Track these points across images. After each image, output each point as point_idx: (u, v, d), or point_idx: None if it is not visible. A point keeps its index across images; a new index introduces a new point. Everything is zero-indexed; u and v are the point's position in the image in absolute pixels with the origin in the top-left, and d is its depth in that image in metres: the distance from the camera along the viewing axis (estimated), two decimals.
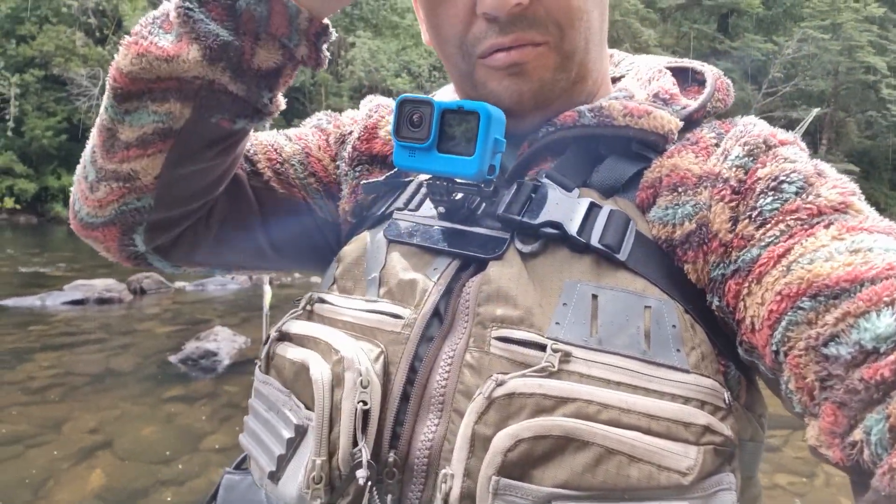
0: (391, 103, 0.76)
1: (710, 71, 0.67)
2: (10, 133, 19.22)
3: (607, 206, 0.55)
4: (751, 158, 0.53)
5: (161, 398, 4.29)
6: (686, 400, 0.46)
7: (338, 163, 0.75)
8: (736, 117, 0.62)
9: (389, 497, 0.48)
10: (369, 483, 0.46)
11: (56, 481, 3.10)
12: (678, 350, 0.48)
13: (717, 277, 0.51)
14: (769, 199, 0.50)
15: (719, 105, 0.64)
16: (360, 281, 0.58)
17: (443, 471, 0.46)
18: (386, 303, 0.55)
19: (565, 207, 0.55)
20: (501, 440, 0.44)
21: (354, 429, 0.48)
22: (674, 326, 0.49)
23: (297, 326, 0.57)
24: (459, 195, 0.58)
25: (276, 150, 0.75)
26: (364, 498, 0.47)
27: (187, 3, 0.54)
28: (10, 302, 6.78)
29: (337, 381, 0.49)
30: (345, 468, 0.48)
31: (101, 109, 0.61)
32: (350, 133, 0.75)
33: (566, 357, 0.47)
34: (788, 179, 0.50)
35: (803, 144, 0.57)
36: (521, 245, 0.54)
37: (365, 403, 0.48)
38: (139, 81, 0.57)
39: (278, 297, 5.35)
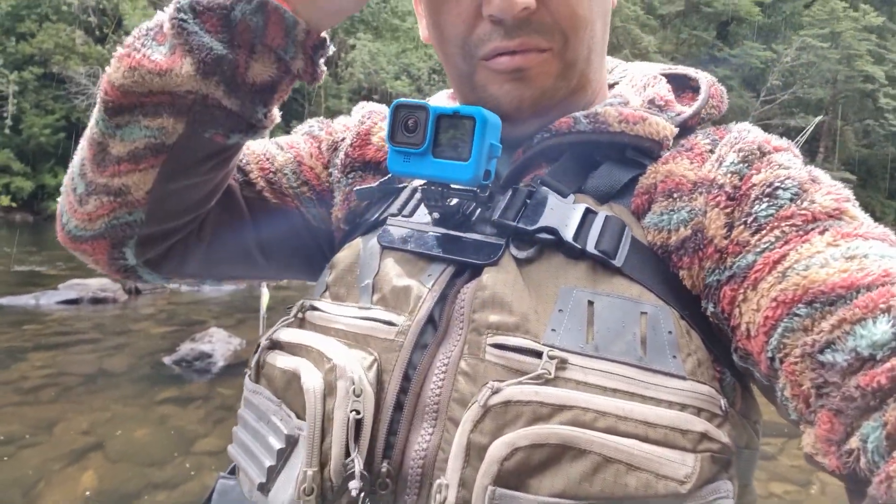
0: (383, 110, 0.75)
1: (705, 78, 0.67)
2: (7, 131, 19.15)
3: (603, 212, 0.55)
4: (745, 165, 0.53)
5: (154, 400, 4.26)
6: (683, 407, 0.45)
7: (330, 170, 0.75)
8: (730, 124, 0.62)
9: None
10: (362, 494, 0.45)
11: (47, 483, 3.08)
12: (674, 356, 0.47)
13: (713, 283, 0.51)
14: (764, 206, 0.50)
15: (713, 112, 0.65)
16: (353, 288, 0.58)
17: (437, 481, 0.45)
18: (379, 310, 0.54)
19: (561, 213, 0.54)
20: (497, 449, 0.43)
21: (347, 439, 0.46)
22: (670, 333, 0.48)
23: (289, 334, 0.56)
24: (454, 201, 0.57)
25: (268, 159, 0.75)
26: None
27: (181, 14, 0.54)
28: (4, 301, 6.75)
29: (329, 390, 0.48)
30: (337, 479, 0.46)
31: (92, 122, 0.60)
32: (342, 140, 0.75)
33: (562, 364, 0.46)
34: (783, 185, 0.50)
35: (797, 151, 0.57)
36: (516, 251, 0.53)
37: (358, 412, 0.47)
38: (131, 95, 0.56)
39: (275, 299, 5.33)
